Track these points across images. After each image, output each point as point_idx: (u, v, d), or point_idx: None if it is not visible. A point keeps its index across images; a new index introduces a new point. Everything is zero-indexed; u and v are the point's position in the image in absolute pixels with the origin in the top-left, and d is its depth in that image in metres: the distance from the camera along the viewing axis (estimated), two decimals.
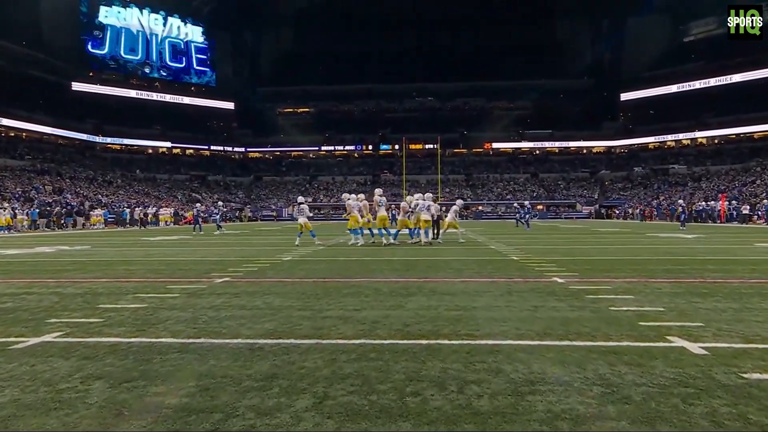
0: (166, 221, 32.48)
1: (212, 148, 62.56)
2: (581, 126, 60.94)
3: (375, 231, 10.68)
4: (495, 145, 63.65)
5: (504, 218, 43.54)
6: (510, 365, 2.65)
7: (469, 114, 65.57)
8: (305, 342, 3.05)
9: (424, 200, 10.46)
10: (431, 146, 61.88)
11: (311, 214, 11.00)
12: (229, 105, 63.94)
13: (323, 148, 64.76)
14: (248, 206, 53.50)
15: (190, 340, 3.08)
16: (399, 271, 6.22)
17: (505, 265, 6.79)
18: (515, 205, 25.28)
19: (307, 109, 67.97)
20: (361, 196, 10.65)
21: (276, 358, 2.76)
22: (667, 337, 3.06)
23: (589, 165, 59.11)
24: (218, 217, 21.10)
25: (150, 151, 58.21)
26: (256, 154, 66.24)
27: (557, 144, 63.25)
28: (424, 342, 3.02)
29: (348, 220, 10.57)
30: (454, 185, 58.15)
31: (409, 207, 10.35)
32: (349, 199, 10.57)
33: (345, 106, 67.57)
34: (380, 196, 10.56)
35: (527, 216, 20.73)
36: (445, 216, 11.55)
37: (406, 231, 11.30)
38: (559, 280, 5.30)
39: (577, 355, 2.77)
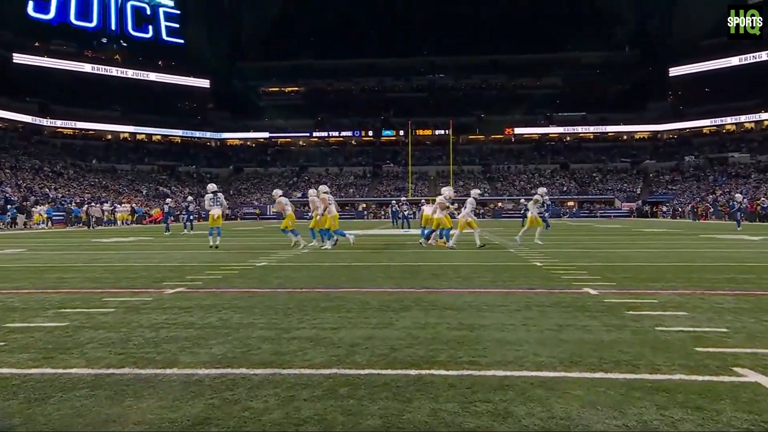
0: (125, 220, 32.22)
1: (184, 133, 62.75)
2: (621, 107, 60.16)
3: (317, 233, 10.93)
4: (518, 130, 63.41)
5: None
6: (523, 406, 2.35)
7: (487, 94, 65.38)
8: (259, 372, 2.81)
9: (450, 197, 10.82)
10: (442, 132, 62.35)
11: (290, 210, 11.28)
12: (204, 83, 63.89)
13: (315, 134, 64.92)
14: (226, 204, 53.44)
15: (109, 371, 2.84)
16: (395, 279, 6.14)
17: (525, 272, 6.73)
18: (522, 201, 24.69)
19: (296, 88, 67.96)
20: (322, 188, 10.90)
21: (215, 395, 2.50)
22: (735, 369, 2.80)
23: (630, 154, 58.64)
24: (187, 215, 21.10)
25: (109, 136, 57.78)
26: (236, 142, 66.44)
27: (592, 129, 62.70)
28: (412, 372, 2.77)
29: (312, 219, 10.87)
30: (468, 178, 58.20)
31: (447, 202, 10.52)
32: (325, 192, 10.77)
33: (341, 85, 67.58)
34: (326, 192, 10.87)
35: (547, 212, 20.52)
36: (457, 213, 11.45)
37: (412, 231, 11.38)
38: (592, 292, 5.15)
39: (615, 393, 2.47)
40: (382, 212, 48.84)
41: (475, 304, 4.54)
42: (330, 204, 10.73)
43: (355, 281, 5.99)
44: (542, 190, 11.78)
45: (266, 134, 65.97)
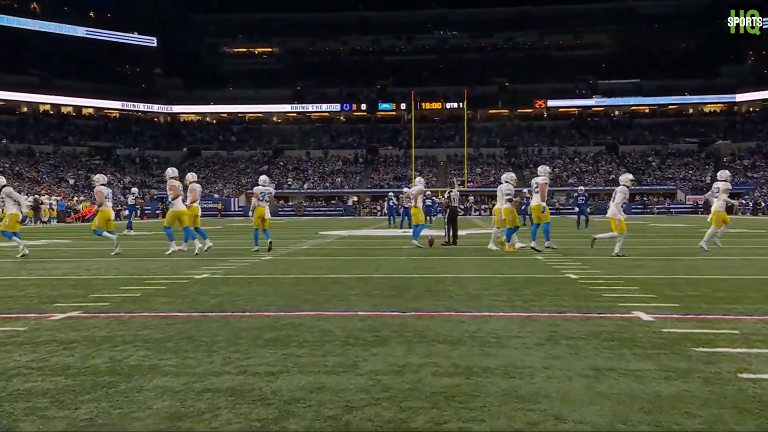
0: (44, 217, 31.96)
1: (123, 105, 62.21)
2: (686, 72, 59.18)
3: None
4: (552, 102, 63.32)
5: (563, 212, 43.62)
6: None
7: (512, 56, 64.85)
8: None
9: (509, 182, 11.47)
10: (455, 105, 61.96)
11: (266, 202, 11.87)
12: (150, 41, 63.63)
13: (293, 107, 64.72)
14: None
15: None
16: (375, 298, 6.01)
17: (554, 287, 6.64)
18: (526, 191, 25.52)
19: (268, 49, 67.77)
20: (190, 176, 11.67)
21: None
22: None
23: (697, 132, 58.33)
24: (129, 211, 21.31)
25: (24, 109, 57.11)
26: (192, 117, 66.26)
27: (648, 100, 62.06)
28: None
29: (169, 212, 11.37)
30: (489, 163, 58.45)
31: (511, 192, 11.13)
32: (175, 177, 11.46)
33: (326, 45, 67.16)
34: (192, 182, 11.63)
35: (586, 206, 20.57)
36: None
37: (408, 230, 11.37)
38: (645, 317, 4.98)
39: None
40: (378, 207, 48.72)
41: (480, 335, 4.31)
42: (196, 190, 11.35)
43: (320, 301, 5.84)
44: (509, 176, 11.94)
45: (230, 108, 66.00)
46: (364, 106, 65.02)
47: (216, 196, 52.93)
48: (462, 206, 45.17)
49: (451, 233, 13.29)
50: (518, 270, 8.36)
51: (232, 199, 51.38)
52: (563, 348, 3.96)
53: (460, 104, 59.10)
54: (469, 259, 10.16)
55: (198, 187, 11.55)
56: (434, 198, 27.23)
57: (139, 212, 28.13)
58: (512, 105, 63.70)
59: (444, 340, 4.16)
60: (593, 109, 64.14)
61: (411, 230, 13.02)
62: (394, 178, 54.42)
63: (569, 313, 5.12)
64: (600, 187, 49.68)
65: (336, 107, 65.02)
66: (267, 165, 59.51)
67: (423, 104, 62.60)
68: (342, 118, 67.15)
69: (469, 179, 53.60)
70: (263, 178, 12.35)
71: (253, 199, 11.95)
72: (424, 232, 13.65)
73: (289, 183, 56.02)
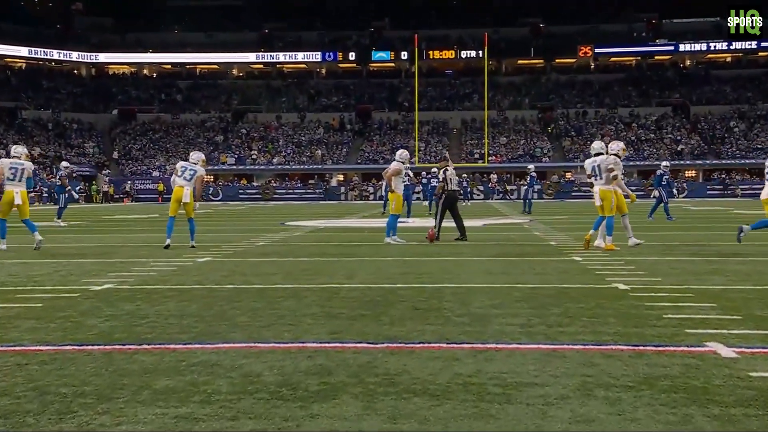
0: None
1: (31, 53, 61.90)
2: None
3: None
4: (601, 50, 63.57)
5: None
6: None
7: None
8: None
9: (606, 153, 11.62)
10: (472, 54, 62.24)
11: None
12: None
13: (259, 57, 65.55)
14: (106, 173, 53.18)
15: None
16: (339, 319, 5.83)
17: (594, 304, 6.41)
18: (529, 167, 27.71)
19: None
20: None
21: None
22: None
23: None
24: (59, 194, 21.74)
25: None
26: (124, 68, 66.86)
27: (731, 46, 62.00)
28: None
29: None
30: (517, 132, 58.69)
31: (613, 164, 11.36)
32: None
33: None
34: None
35: (671, 186, 20.80)
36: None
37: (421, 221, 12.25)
38: (725, 352, 4.62)
39: None
40: (372, 188, 48.55)
41: (478, 382, 3.97)
42: (4, 166, 11.72)
43: (257, 326, 5.58)
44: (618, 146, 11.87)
45: (175, 57, 65.88)
46: (352, 56, 64.87)
47: (156, 174, 52.78)
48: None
49: (440, 225, 13.44)
50: (547, 278, 8.12)
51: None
52: (600, 404, 3.54)
53: (479, 53, 59.03)
54: (480, 262, 9.92)
55: (5, 162, 11.88)
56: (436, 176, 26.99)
57: (74, 195, 27.44)
58: (548, 53, 63.68)
59: (423, 390, 3.79)
60: (656, 57, 64.34)
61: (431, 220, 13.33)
62: (392, 150, 53.76)
63: (613, 344, 4.81)
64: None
65: (316, 57, 64.94)
66: (224, 133, 59.23)
67: (430, 53, 62.45)
68: (323, 71, 67.27)
69: (491, 151, 53.36)
70: (195, 155, 12.56)
71: (173, 176, 12.12)
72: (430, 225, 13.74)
73: (254, 157, 55.85)
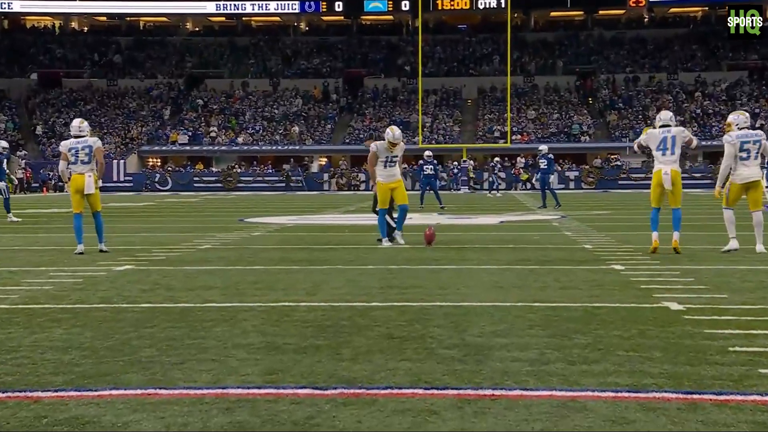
0: None
1: None
2: None
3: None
4: None
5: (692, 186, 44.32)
6: None
7: None
8: None
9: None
10: (490, 4, 62.04)
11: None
12: None
13: (219, 6, 65.61)
14: (21, 154, 52.95)
15: None
16: (283, 353, 5.59)
17: (634, 331, 6.19)
18: (541, 147, 27.78)
19: None
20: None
21: None
22: None
23: None
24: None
25: None
26: (46, 20, 66.87)
27: None
28: None
29: None
30: (548, 101, 58.80)
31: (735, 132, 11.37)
32: None
33: None
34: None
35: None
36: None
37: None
38: None
39: None
40: (363, 176, 48.16)
41: None
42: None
43: (167, 361, 5.31)
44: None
45: (112, 6, 65.73)
46: (339, 6, 64.84)
47: (103, 154, 52.67)
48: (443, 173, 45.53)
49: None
50: (574, 294, 7.83)
51: (116, 162, 51.55)
52: None
53: (501, 2, 58.92)
54: (488, 272, 9.70)
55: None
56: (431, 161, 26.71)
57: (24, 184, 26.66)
58: (589, 3, 63.51)
59: None
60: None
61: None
62: (385, 125, 53.51)
63: (656, 391, 4.48)
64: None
65: (293, 7, 64.86)
66: (175, 104, 59.09)
67: (438, 2, 62.38)
68: (303, 25, 67.28)
69: (516, 128, 53.08)
70: (77, 123, 12.32)
71: (62, 163, 11.99)
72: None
73: (213, 135, 55.82)
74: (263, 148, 54.91)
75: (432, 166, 26.28)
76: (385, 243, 12.70)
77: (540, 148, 27.15)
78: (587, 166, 49.54)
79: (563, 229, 16.16)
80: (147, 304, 7.50)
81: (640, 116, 53.89)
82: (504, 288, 8.31)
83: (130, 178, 50.84)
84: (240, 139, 55.19)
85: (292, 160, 53.61)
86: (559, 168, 44.41)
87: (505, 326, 6.26)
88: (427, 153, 27.13)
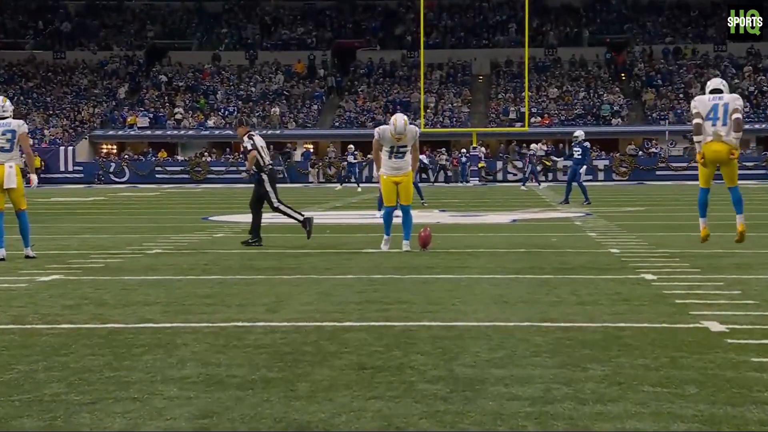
0: None
1: None
2: None
3: None
4: None
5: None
6: None
7: None
8: None
9: None
10: None
11: None
12: None
13: None
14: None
15: None
16: (220, 388, 5.42)
17: (663, 353, 6.12)
18: (577, 133, 28.19)
19: None
20: None
21: None
22: None
23: None
24: None
25: None
26: None
27: None
28: None
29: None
30: (574, 80, 59.03)
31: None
32: None
33: None
34: None
35: None
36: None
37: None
38: None
39: None
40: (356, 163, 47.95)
41: None
42: None
43: (69, 402, 5.07)
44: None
45: None
46: None
47: (30, 141, 52.36)
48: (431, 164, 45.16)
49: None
50: (594, 310, 7.65)
51: (64, 149, 51.61)
52: None
53: None
54: (492, 282, 9.63)
55: None
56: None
57: None
58: None
59: None
60: None
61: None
62: (387, 108, 53.89)
63: None
64: None
65: None
66: (134, 81, 59.12)
67: None
68: None
69: (535, 109, 52.87)
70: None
71: None
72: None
73: (178, 117, 55.82)
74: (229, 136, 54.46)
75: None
76: (384, 246, 12.64)
77: (576, 133, 27.29)
78: (619, 154, 49.59)
79: (587, 230, 16.13)
80: (68, 325, 7.37)
81: (682, 95, 53.97)
82: (508, 303, 8.19)
83: (80, 168, 50.71)
84: (210, 123, 55.11)
85: (271, 147, 53.31)
86: (537, 155, 44.38)
87: (504, 353, 6.08)
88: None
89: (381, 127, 13.12)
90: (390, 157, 12.80)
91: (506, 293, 8.72)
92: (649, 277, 9.65)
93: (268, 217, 20.61)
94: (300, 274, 10.44)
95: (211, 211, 23.41)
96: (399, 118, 12.82)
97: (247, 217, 20.37)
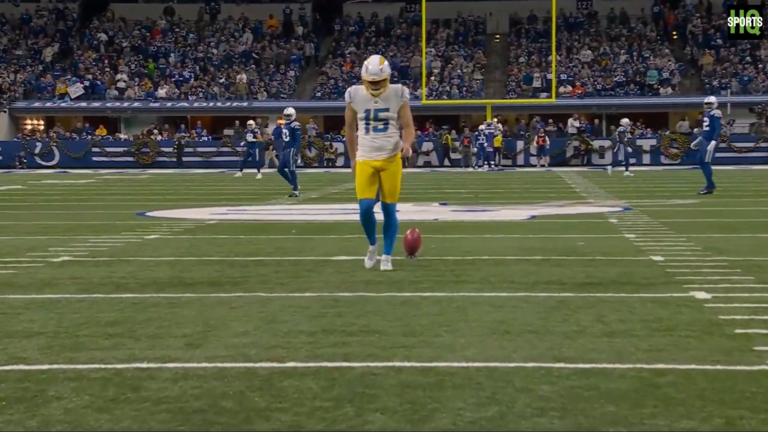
0: None
1: None
2: None
3: None
4: None
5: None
6: None
7: None
8: None
9: None
10: None
11: None
12: None
13: None
14: None
15: None
16: None
17: (718, 409, 5.70)
18: (708, 101, 29.12)
19: None
20: None
21: None
22: None
23: None
24: None
25: None
26: None
27: None
28: None
29: None
30: (613, 39, 59.84)
31: None
32: None
33: None
34: None
35: None
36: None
37: None
38: None
39: None
40: (344, 146, 47.81)
41: None
42: None
43: None
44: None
45: None
46: None
47: None
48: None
49: None
50: (626, 344, 7.25)
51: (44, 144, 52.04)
52: None
53: None
54: (494, 302, 9.17)
55: None
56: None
57: None
58: None
59: None
60: None
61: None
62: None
63: None
64: None
65: None
66: (65, 41, 58.95)
67: None
68: None
69: (563, 76, 52.62)
70: None
71: None
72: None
73: (121, 85, 56.03)
74: (195, 105, 55.34)
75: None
76: (368, 262, 11.76)
77: (707, 99, 27.50)
78: (669, 132, 49.29)
79: (624, 230, 15.82)
80: None
81: (747, 58, 53.86)
82: (511, 334, 7.63)
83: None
84: (161, 92, 55.35)
85: (237, 122, 53.47)
86: (629, 134, 43.93)
87: (496, 411, 5.52)
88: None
89: (352, 87, 11.95)
90: (367, 132, 11.53)
91: (509, 319, 8.22)
92: (702, 296, 9.25)
93: (223, 211, 20.51)
94: (243, 291, 10.01)
95: (153, 203, 23.32)
96: (374, 57, 11.80)
97: (196, 212, 20.38)
